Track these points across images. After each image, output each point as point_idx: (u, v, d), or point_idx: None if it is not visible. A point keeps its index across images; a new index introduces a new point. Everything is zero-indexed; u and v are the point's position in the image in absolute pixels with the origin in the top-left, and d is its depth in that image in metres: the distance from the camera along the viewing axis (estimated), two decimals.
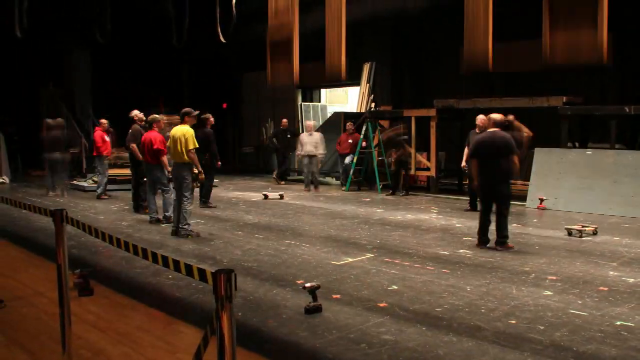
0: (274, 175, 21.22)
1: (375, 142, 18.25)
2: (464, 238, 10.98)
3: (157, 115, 13.05)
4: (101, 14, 20.83)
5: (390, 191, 17.37)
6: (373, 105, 22.14)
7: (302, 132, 21.33)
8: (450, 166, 19.57)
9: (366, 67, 22.61)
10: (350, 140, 18.87)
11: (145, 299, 7.24)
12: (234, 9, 19.87)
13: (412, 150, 18.17)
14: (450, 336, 5.99)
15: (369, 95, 22.37)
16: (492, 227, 10.07)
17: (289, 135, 21.09)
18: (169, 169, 12.13)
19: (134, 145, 13.85)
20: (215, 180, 16.62)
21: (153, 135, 12.59)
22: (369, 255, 9.63)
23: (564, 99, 15.47)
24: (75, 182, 19.58)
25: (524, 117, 17.35)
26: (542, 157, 15.04)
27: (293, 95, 26.50)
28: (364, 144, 18.23)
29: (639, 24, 16.05)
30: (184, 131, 11.36)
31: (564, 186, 14.43)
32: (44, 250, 9.74)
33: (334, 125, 21.98)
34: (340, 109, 25.78)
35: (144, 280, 8.17)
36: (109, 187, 17.76)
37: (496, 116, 10.30)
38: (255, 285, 7.86)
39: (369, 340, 5.88)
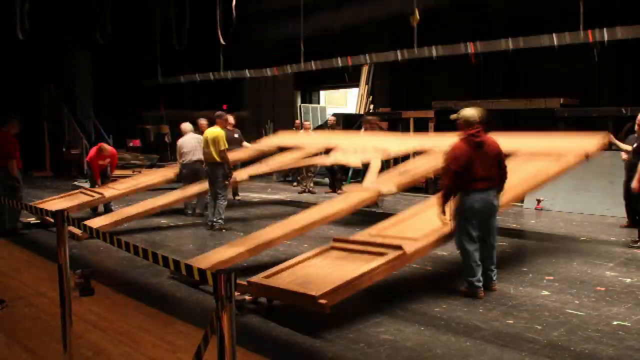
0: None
1: None
2: None
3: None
4: (101, 14, 20.84)
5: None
6: (372, 106, 22.16)
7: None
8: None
9: (365, 69, 22.63)
10: None
11: (146, 299, 7.23)
12: (233, 11, 19.87)
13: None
14: (448, 336, 5.99)
15: (367, 97, 22.40)
16: None
17: None
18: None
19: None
20: None
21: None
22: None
23: (561, 100, 15.49)
24: (76, 183, 19.55)
25: (521, 119, 17.46)
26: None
27: (292, 96, 26.52)
28: None
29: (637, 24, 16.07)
30: (215, 133, 11.85)
31: (561, 187, 14.40)
32: (46, 251, 9.75)
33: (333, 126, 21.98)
34: (339, 110, 25.80)
35: (144, 280, 8.17)
36: None
37: None
38: None
39: (368, 340, 5.88)
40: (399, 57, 17.26)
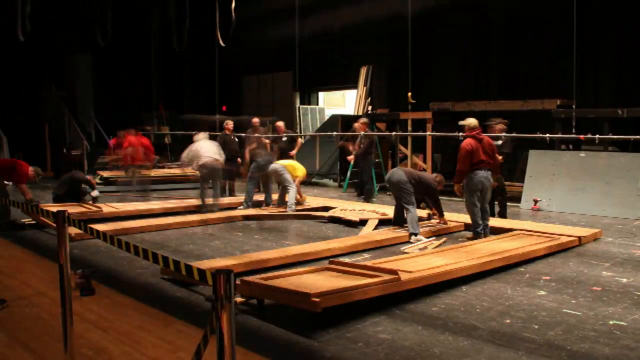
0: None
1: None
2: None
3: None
4: (102, 16, 20.84)
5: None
6: (370, 108, 22.17)
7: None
8: (446, 168, 19.58)
9: (363, 71, 22.65)
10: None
11: (146, 298, 7.23)
12: (233, 13, 19.88)
13: (409, 152, 18.21)
14: (446, 335, 6.00)
15: (366, 98, 22.41)
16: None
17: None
18: None
19: None
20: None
21: None
22: (365, 255, 9.63)
23: (558, 101, 15.51)
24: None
25: (518, 120, 17.47)
26: (536, 159, 15.07)
27: (291, 98, 26.54)
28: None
29: (633, 27, 16.09)
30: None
31: (558, 188, 14.45)
32: (46, 251, 9.75)
33: (332, 128, 21.97)
34: (337, 111, 25.81)
35: (145, 280, 8.17)
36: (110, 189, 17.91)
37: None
38: None
39: (366, 340, 5.88)
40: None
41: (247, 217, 13.42)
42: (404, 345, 5.74)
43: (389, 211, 12.89)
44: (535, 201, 14.53)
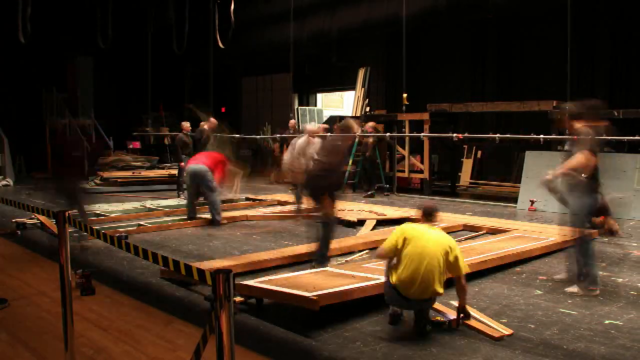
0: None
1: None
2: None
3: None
4: (103, 19, 20.83)
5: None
6: (368, 109, 22.18)
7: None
8: (443, 169, 19.62)
9: (361, 72, 22.69)
10: None
11: (146, 298, 7.23)
12: (232, 16, 19.89)
13: (406, 153, 18.22)
14: (443, 334, 5.99)
15: (364, 100, 22.43)
16: None
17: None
18: None
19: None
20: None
21: None
22: (363, 254, 9.63)
23: (554, 103, 15.51)
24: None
25: (515, 121, 17.51)
26: (533, 160, 15.07)
27: (290, 99, 26.55)
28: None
29: (628, 29, 16.11)
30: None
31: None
32: (47, 251, 9.74)
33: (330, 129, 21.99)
34: (335, 112, 25.82)
35: (144, 280, 8.16)
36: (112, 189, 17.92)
37: None
38: None
39: (364, 339, 5.88)
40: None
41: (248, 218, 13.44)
42: (401, 344, 5.74)
43: (388, 211, 12.93)
44: (532, 202, 14.54)
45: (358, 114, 21.89)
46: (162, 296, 7.41)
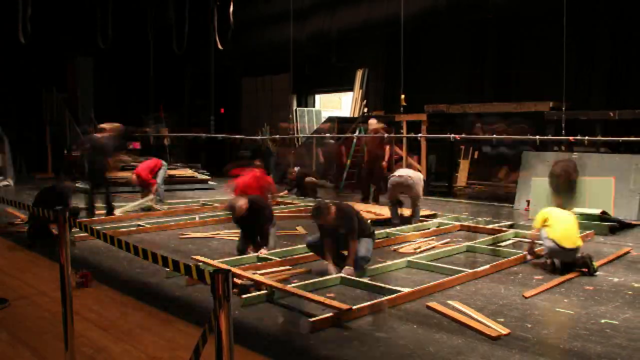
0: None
1: None
2: (453, 239, 11.00)
3: None
4: (103, 19, 20.82)
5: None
6: (366, 110, 22.19)
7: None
8: (440, 169, 19.62)
9: (359, 73, 22.68)
10: None
11: (146, 298, 7.23)
12: (231, 17, 19.88)
13: (404, 154, 18.22)
14: (441, 334, 6.00)
15: (362, 101, 22.43)
16: None
17: None
18: None
19: None
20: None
21: None
22: None
23: (551, 104, 15.54)
24: (77, 184, 19.51)
25: (511, 122, 17.51)
26: (530, 160, 15.07)
27: (289, 100, 26.56)
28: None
29: (620, 32, 16.12)
30: None
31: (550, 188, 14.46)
32: (47, 251, 9.74)
33: (328, 129, 22.00)
34: (334, 113, 25.82)
35: (144, 279, 8.16)
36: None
37: None
38: None
39: (362, 338, 5.88)
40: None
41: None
42: (399, 343, 5.74)
43: (385, 211, 12.93)
44: (528, 202, 14.53)
45: (356, 115, 21.89)
46: (162, 296, 7.41)
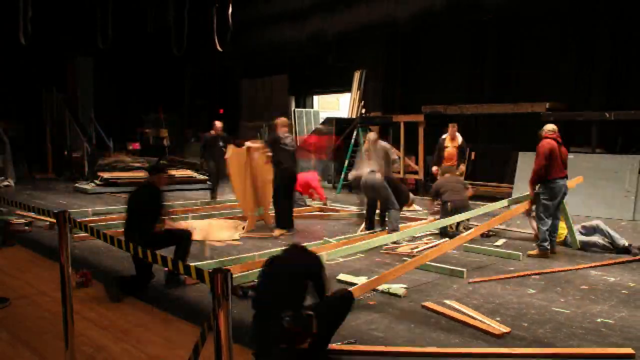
0: None
1: None
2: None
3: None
4: (103, 20, 20.81)
5: None
6: (364, 111, 22.18)
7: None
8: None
9: (357, 75, 22.66)
10: None
11: (145, 297, 7.23)
12: (230, 18, 19.87)
13: (401, 154, 18.23)
14: (438, 333, 6.00)
15: (359, 102, 22.41)
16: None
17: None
18: None
19: None
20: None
21: None
22: (359, 255, 9.63)
23: (547, 105, 15.55)
24: (77, 184, 19.55)
25: (508, 123, 17.52)
26: (526, 161, 15.08)
27: (287, 101, 26.57)
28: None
29: (620, 33, 16.13)
30: None
31: None
32: (48, 251, 9.74)
33: (326, 130, 21.99)
34: (332, 114, 25.82)
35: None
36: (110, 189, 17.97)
37: None
38: None
39: (360, 337, 5.88)
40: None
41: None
42: (396, 342, 5.74)
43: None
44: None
45: (354, 116, 21.88)
46: (161, 295, 7.40)
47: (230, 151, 12.22)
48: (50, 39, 23.44)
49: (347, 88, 23.47)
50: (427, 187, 17.22)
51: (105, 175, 19.63)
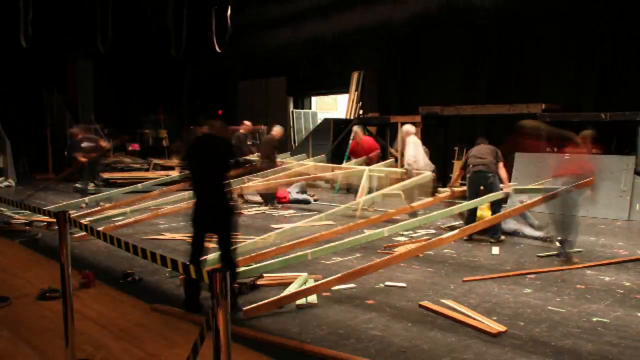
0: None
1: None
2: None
3: None
4: (103, 23, 20.80)
5: None
6: (361, 112, 22.18)
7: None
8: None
9: (355, 76, 22.67)
10: None
11: (145, 296, 7.23)
12: (228, 21, 19.87)
13: (398, 155, 18.19)
14: (434, 332, 6.00)
15: (357, 103, 22.42)
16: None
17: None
18: None
19: None
20: None
21: None
22: (357, 255, 9.63)
23: (543, 106, 15.55)
24: (77, 185, 19.50)
25: (504, 124, 17.52)
26: (523, 162, 15.10)
27: (285, 102, 26.57)
28: None
29: (615, 33, 16.14)
30: None
31: (543, 189, 14.49)
32: (48, 250, 9.74)
33: (324, 131, 21.95)
34: (329, 115, 25.82)
35: (143, 278, 8.15)
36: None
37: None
38: None
39: (358, 336, 5.88)
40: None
41: None
42: (394, 341, 5.75)
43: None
44: (521, 202, 14.54)
45: (352, 117, 21.87)
46: (161, 294, 7.40)
47: None
48: (50, 40, 23.40)
49: (345, 89, 23.47)
50: None
51: (105, 175, 19.60)
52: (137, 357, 5.37)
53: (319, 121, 25.01)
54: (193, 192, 6.81)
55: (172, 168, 21.50)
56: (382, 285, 7.71)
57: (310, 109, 27.68)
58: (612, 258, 9.37)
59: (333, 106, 29.43)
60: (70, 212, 5.34)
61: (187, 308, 6.62)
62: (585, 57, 16.68)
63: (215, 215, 6.58)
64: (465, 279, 8.06)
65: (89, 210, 13.09)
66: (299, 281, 7.69)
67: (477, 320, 6.24)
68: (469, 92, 19.23)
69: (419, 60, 21.14)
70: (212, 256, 7.78)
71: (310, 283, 7.60)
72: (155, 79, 28.06)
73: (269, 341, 5.69)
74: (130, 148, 25.21)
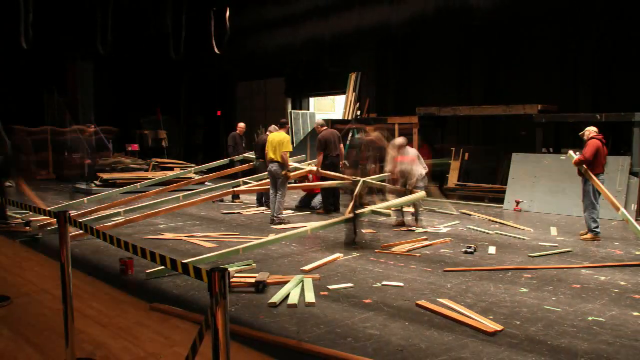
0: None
1: None
2: (444, 240, 11.01)
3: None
4: (103, 25, 20.79)
5: None
6: (358, 112, 22.18)
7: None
8: (431, 170, 19.62)
9: (352, 77, 22.65)
10: None
11: (144, 295, 7.22)
12: (227, 22, 19.87)
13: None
14: (431, 331, 6.00)
15: (354, 104, 22.41)
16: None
17: None
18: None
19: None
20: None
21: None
22: (355, 254, 9.64)
23: (539, 107, 15.55)
24: (77, 185, 19.53)
25: (501, 124, 17.53)
26: (519, 162, 15.13)
27: (283, 103, 26.56)
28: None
29: (611, 35, 16.15)
30: (281, 137, 12.95)
31: (539, 189, 14.52)
32: (49, 250, 9.73)
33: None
34: (327, 116, 25.80)
35: (143, 277, 8.15)
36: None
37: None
38: None
39: (355, 335, 5.88)
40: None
41: None
42: (391, 340, 5.75)
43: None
44: (517, 202, 14.58)
45: (349, 118, 21.86)
46: (160, 293, 7.40)
47: None
48: (50, 41, 23.39)
49: (342, 90, 23.46)
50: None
51: (105, 176, 19.62)
52: (137, 356, 5.36)
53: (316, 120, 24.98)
54: None
55: (170, 169, 21.51)
56: (379, 284, 7.73)
57: (308, 109, 27.67)
58: (607, 257, 9.39)
59: (331, 107, 29.43)
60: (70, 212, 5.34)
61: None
62: (581, 58, 16.68)
63: None
64: (445, 269, 8.19)
65: (83, 211, 13.06)
66: (294, 281, 7.71)
67: (473, 319, 6.25)
68: (466, 93, 19.24)
69: (416, 61, 21.13)
70: (212, 255, 7.79)
71: (308, 282, 7.63)
72: (154, 80, 28.06)
73: (267, 340, 5.70)
74: (130, 149, 25.21)
